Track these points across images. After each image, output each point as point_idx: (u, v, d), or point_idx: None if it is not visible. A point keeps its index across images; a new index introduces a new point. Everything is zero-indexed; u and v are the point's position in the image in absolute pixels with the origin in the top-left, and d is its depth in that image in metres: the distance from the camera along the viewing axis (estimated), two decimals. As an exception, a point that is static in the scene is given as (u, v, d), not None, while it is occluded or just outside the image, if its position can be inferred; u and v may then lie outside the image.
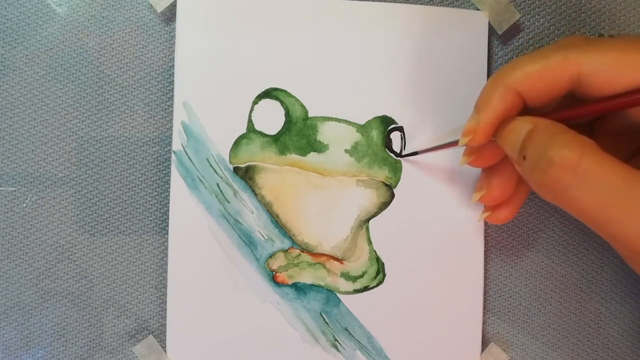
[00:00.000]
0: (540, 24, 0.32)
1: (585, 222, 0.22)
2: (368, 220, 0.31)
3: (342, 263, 0.31)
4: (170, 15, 0.31)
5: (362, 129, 0.30)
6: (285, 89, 0.30)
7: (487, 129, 0.25)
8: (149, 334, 0.31)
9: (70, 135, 0.30)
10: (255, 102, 0.30)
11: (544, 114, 0.24)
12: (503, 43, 0.32)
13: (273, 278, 0.30)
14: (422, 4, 0.31)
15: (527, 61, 0.24)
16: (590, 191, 0.21)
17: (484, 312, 0.31)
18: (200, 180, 0.30)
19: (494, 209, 0.28)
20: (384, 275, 0.31)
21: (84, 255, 0.30)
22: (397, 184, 0.31)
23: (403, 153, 0.31)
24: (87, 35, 0.30)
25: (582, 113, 0.24)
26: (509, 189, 0.28)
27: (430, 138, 0.31)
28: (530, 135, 0.23)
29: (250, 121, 0.30)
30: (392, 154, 0.31)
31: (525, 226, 0.32)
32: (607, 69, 0.23)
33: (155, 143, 0.31)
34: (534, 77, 0.24)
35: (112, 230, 0.31)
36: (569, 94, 0.25)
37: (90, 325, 0.31)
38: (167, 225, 0.30)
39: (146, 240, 0.31)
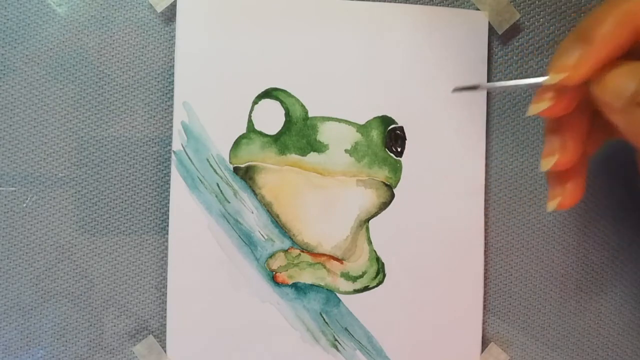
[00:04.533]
0: (540, 24, 0.32)
1: None
2: (368, 220, 0.31)
3: (342, 263, 0.31)
4: (170, 15, 0.31)
5: (362, 129, 0.30)
6: (285, 89, 0.30)
7: (596, 63, 0.21)
8: (149, 334, 0.31)
9: (70, 135, 0.30)
10: (255, 102, 0.30)
11: None
12: (503, 43, 0.32)
13: (273, 278, 0.30)
14: (422, 4, 0.31)
15: None
16: None
17: (484, 312, 0.31)
18: (200, 180, 0.30)
19: (562, 191, 0.24)
20: (384, 275, 0.31)
21: (84, 255, 0.30)
22: (397, 184, 0.31)
23: (459, 87, 0.27)
24: (87, 35, 0.30)
25: None
26: (581, 149, 0.24)
27: (430, 137, 0.31)
28: None
29: (250, 121, 0.30)
30: (392, 154, 0.31)
31: (525, 226, 0.32)
32: None
33: (155, 143, 0.31)
34: None
35: (112, 230, 0.31)
36: None
37: (90, 325, 0.31)
38: (167, 225, 0.30)
39: (146, 240, 0.31)
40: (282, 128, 0.30)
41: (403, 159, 0.31)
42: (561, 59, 0.21)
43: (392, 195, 0.31)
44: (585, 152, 0.25)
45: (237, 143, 0.30)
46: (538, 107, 0.23)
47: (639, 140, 0.21)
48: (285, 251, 0.30)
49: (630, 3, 0.20)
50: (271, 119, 0.30)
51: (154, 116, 0.31)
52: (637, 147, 0.21)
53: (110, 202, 0.31)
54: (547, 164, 0.24)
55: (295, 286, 0.30)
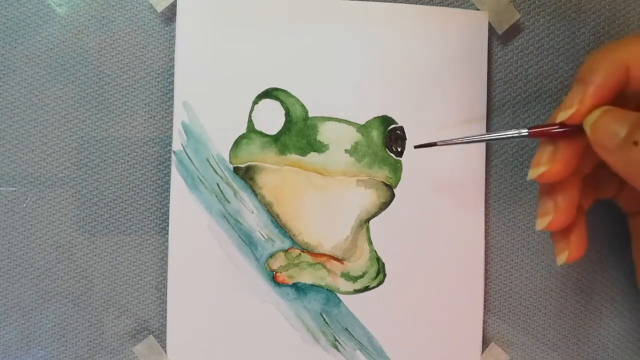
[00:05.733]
0: (540, 24, 0.32)
1: None
2: (368, 220, 0.31)
3: (342, 263, 0.31)
4: (170, 15, 0.31)
5: (362, 129, 0.30)
6: (285, 89, 0.30)
7: (593, 100, 0.23)
8: (149, 334, 0.31)
9: (70, 135, 0.30)
10: (255, 102, 0.30)
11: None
12: (503, 43, 0.32)
13: (273, 278, 0.30)
14: (422, 4, 0.31)
15: (636, 38, 0.24)
16: None
17: (484, 312, 0.31)
18: (200, 180, 0.30)
19: (567, 245, 0.26)
20: (384, 275, 0.31)
21: (84, 255, 0.30)
22: (397, 184, 0.31)
23: (418, 145, 0.28)
24: (87, 35, 0.30)
25: None
26: (574, 211, 0.26)
27: (430, 137, 0.31)
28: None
29: (250, 121, 0.30)
30: (392, 154, 0.31)
31: (525, 226, 0.32)
32: None
33: (155, 143, 0.31)
34: None
35: (112, 230, 0.31)
36: None
37: (90, 325, 0.31)
38: (167, 225, 0.30)
39: (146, 240, 0.31)
40: (282, 128, 0.30)
41: (403, 159, 0.31)
42: (566, 98, 0.24)
43: (392, 195, 0.31)
44: (581, 208, 0.27)
45: (237, 143, 0.30)
46: (536, 172, 0.25)
47: (631, 177, 0.22)
48: (286, 251, 0.30)
49: (621, 53, 0.23)
50: (271, 119, 0.30)
51: (154, 116, 0.31)
52: (637, 187, 0.23)
53: (110, 202, 0.31)
54: (542, 223, 0.26)
55: (296, 286, 0.30)
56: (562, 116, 0.24)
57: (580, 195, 0.26)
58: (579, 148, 0.25)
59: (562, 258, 0.26)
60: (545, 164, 0.25)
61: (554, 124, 0.24)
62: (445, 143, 0.27)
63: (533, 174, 0.25)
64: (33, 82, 0.30)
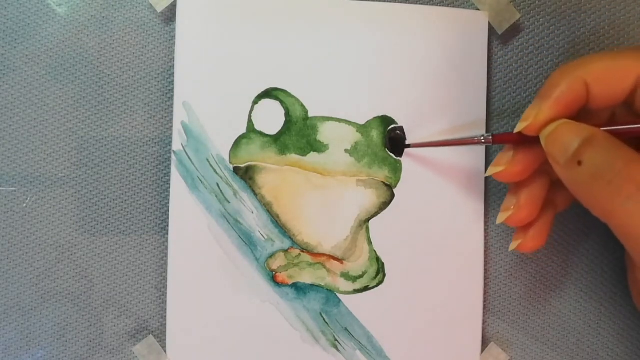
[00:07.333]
0: (540, 24, 0.32)
1: (629, 241, 0.22)
2: (368, 220, 0.31)
3: (342, 263, 0.31)
4: (170, 15, 0.31)
5: (362, 129, 0.30)
6: (285, 89, 0.30)
7: (549, 114, 0.24)
8: (149, 334, 0.31)
9: (70, 135, 0.30)
10: (255, 102, 0.30)
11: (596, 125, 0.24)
12: (503, 43, 0.32)
13: (273, 278, 0.30)
14: (422, 4, 0.31)
15: (598, 56, 0.24)
16: None
17: (484, 312, 0.31)
18: (200, 180, 0.30)
19: (523, 236, 0.28)
20: (384, 275, 0.31)
21: (84, 255, 0.30)
22: (397, 184, 0.31)
23: (411, 143, 0.30)
24: (87, 35, 0.30)
25: (631, 132, 0.24)
26: (535, 211, 0.27)
27: (430, 137, 0.31)
28: (590, 140, 0.23)
29: (250, 121, 0.30)
30: (392, 154, 0.31)
31: (525, 226, 0.32)
32: None
33: (155, 143, 0.31)
34: (603, 71, 0.24)
35: (112, 230, 0.31)
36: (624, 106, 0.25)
37: (90, 325, 0.31)
38: (167, 225, 0.30)
39: (146, 240, 0.31)
40: (282, 128, 0.30)
41: (403, 159, 0.31)
42: (526, 110, 0.25)
43: (392, 195, 0.31)
44: (555, 208, 0.28)
45: (237, 143, 0.30)
46: (493, 170, 0.27)
47: (576, 195, 0.24)
48: (285, 251, 0.30)
49: (581, 70, 0.24)
50: (271, 119, 0.30)
51: (154, 116, 0.31)
52: (582, 204, 0.24)
53: (110, 202, 0.31)
54: (501, 218, 0.27)
55: (295, 286, 0.30)
56: (518, 127, 0.25)
57: (553, 196, 0.28)
58: (539, 155, 0.26)
59: (513, 245, 0.28)
60: (503, 165, 0.26)
61: (514, 134, 0.26)
62: (417, 145, 0.30)
63: (490, 171, 0.27)
64: (33, 82, 0.30)
